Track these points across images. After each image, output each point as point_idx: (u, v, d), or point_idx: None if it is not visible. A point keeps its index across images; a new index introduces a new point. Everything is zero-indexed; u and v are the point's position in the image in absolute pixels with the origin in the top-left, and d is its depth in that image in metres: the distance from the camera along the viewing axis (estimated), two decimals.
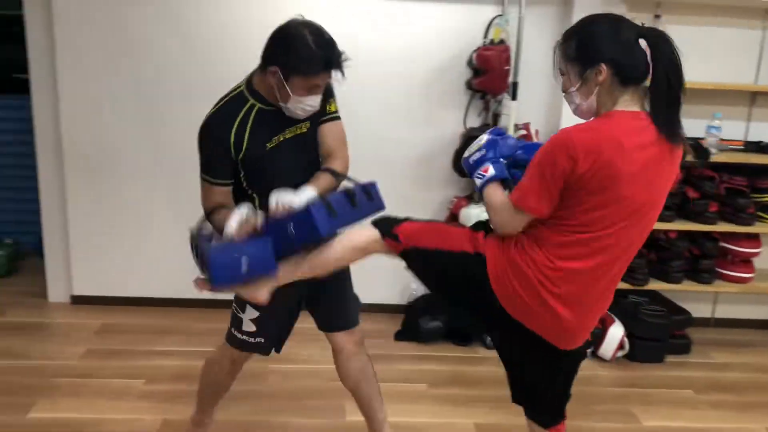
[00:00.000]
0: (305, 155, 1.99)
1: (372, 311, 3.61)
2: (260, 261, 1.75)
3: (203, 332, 3.30)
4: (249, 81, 1.90)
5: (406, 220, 1.80)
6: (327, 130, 2.00)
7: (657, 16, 3.33)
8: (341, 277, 2.12)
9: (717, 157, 3.20)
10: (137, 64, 3.29)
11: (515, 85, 3.12)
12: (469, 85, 3.34)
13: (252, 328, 2.10)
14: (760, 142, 3.45)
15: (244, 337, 2.12)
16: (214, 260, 1.70)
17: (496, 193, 1.65)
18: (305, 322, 3.50)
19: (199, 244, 1.82)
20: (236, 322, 2.11)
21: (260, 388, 2.83)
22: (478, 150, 1.73)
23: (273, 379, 2.92)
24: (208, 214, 1.94)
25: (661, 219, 3.29)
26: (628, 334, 3.29)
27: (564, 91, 1.63)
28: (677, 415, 2.81)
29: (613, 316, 3.32)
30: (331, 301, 2.18)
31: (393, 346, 3.31)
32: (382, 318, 3.54)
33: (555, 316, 1.59)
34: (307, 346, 3.24)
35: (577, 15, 3.23)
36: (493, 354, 3.27)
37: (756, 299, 3.75)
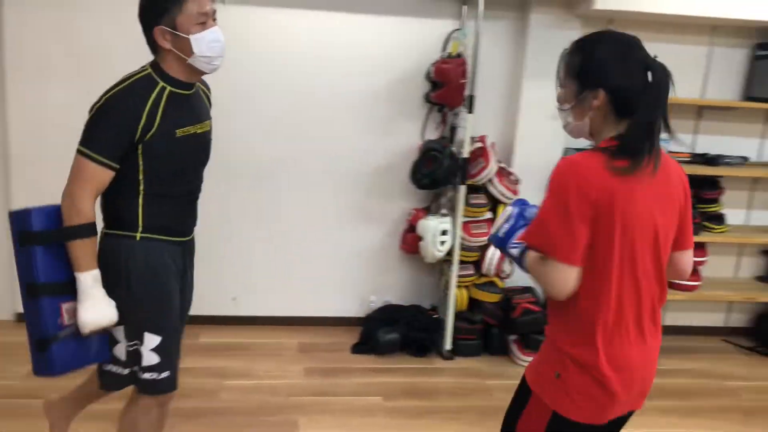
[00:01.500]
0: (204, 157, 1.93)
1: (330, 324, 3.60)
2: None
3: None
4: (153, 66, 1.78)
5: None
6: None
7: None
8: None
9: None
10: (88, 72, 3.20)
11: (472, 98, 3.14)
12: (427, 98, 3.35)
13: (155, 359, 1.81)
14: (706, 154, 3.56)
15: (149, 374, 1.82)
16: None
17: (538, 259, 1.47)
18: (261, 338, 3.47)
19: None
20: (135, 359, 1.82)
21: (214, 405, 2.78)
22: (506, 221, 1.61)
23: (227, 395, 2.87)
24: (76, 205, 1.67)
25: None
26: None
27: (559, 104, 1.52)
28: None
29: None
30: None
31: (350, 359, 3.30)
32: (339, 331, 3.53)
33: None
34: (263, 360, 3.22)
35: (533, 29, 3.30)
36: (449, 365, 3.32)
37: (703, 306, 3.87)
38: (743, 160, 3.58)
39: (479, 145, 3.30)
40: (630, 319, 1.45)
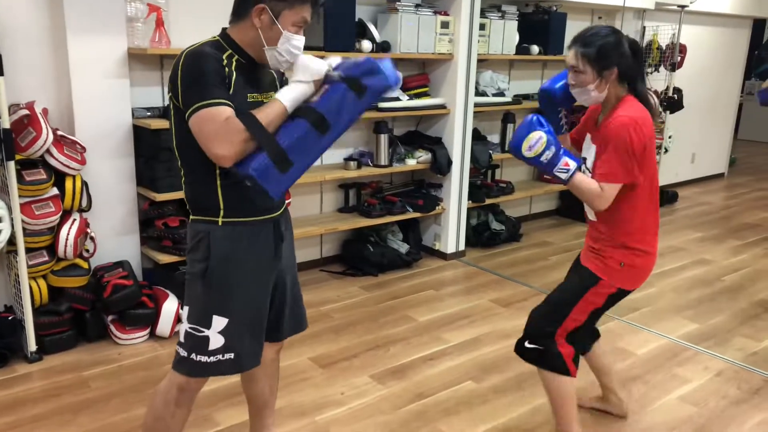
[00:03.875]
0: None
1: None
2: None
3: None
4: (222, 35, 1.78)
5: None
6: None
7: None
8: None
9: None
10: None
11: None
12: None
13: (220, 341, 1.80)
14: None
15: (211, 358, 1.81)
16: None
17: (585, 180, 2.06)
18: None
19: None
20: (198, 345, 1.80)
21: None
22: (546, 148, 2.02)
23: None
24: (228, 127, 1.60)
25: None
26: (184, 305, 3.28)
27: (580, 85, 2.10)
28: None
29: (167, 291, 3.26)
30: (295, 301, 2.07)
31: None
32: None
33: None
34: None
35: None
36: (37, 367, 2.89)
37: (297, 244, 4.16)
38: None
39: (26, 113, 2.84)
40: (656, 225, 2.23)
